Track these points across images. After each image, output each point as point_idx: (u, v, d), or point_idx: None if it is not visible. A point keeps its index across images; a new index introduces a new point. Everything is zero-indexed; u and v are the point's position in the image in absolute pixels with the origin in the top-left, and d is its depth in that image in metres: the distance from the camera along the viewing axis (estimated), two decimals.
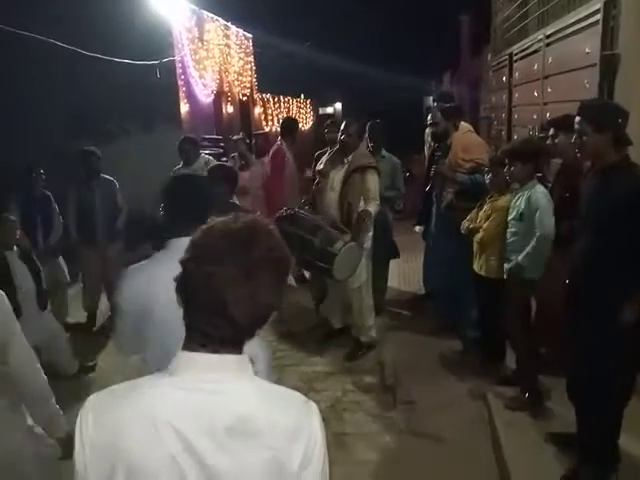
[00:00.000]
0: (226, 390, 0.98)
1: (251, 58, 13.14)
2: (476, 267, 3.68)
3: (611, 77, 3.52)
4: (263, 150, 6.33)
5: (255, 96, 13.36)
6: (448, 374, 3.95)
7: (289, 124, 6.13)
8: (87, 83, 7.47)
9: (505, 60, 6.73)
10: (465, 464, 2.99)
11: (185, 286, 1.01)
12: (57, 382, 2.29)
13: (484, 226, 3.59)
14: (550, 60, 4.79)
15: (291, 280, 5.39)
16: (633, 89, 3.32)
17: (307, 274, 5.27)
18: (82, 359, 4.31)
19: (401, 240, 5.39)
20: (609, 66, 3.52)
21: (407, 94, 19.61)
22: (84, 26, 7.19)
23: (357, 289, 4.21)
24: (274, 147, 5.84)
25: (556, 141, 3.30)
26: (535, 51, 5.34)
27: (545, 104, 4.88)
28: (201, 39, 9.70)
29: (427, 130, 5.11)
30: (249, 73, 12.92)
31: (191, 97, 9.04)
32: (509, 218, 3.32)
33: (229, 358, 1.00)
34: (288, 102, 16.86)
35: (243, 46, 12.57)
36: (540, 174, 3.37)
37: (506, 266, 3.30)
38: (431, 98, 8.27)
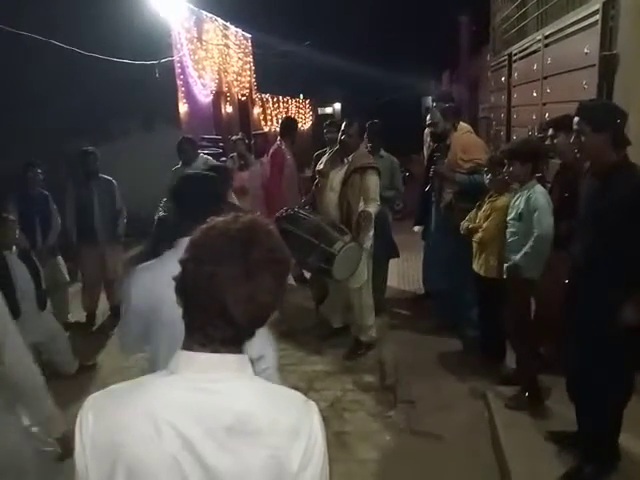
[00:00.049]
0: (226, 389, 0.98)
1: (250, 58, 13.14)
2: (475, 267, 3.69)
3: (610, 77, 3.53)
4: (262, 150, 6.33)
5: (254, 96, 13.36)
6: (448, 374, 3.95)
7: (288, 124, 6.13)
8: (86, 83, 7.48)
9: (504, 60, 6.72)
10: (465, 463, 2.99)
11: (184, 286, 1.01)
12: (57, 382, 2.29)
13: (483, 226, 3.60)
14: (549, 60, 4.79)
15: (291, 280, 5.39)
16: (632, 89, 3.33)
17: (307, 274, 5.26)
18: (82, 359, 4.31)
19: (400, 240, 5.38)
20: (608, 66, 3.53)
21: (406, 94, 19.62)
22: (83, 26, 7.21)
23: (357, 289, 4.21)
24: (273, 147, 5.84)
25: (555, 141, 3.29)
26: (534, 51, 5.34)
27: (544, 104, 4.88)
28: (200, 39, 9.70)
29: (426, 130, 5.10)
30: (248, 73, 12.92)
31: (190, 97, 9.04)
32: (508, 218, 3.32)
33: (229, 358, 1.00)
34: (287, 102, 16.86)
35: (242, 46, 12.57)
36: (539, 174, 3.37)
37: (505, 266, 3.30)
38: (430, 98, 8.27)
